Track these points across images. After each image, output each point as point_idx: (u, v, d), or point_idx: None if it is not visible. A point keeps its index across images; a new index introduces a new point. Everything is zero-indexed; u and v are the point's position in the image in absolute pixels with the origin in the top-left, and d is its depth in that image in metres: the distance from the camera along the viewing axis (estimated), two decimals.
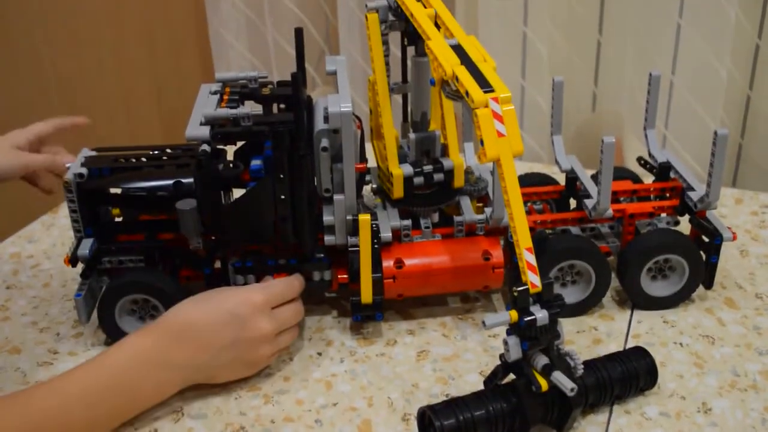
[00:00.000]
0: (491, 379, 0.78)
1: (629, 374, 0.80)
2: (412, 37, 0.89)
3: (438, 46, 0.79)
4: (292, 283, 0.88)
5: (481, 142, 0.72)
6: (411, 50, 0.92)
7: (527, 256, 0.74)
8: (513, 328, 0.74)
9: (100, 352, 0.89)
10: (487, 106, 0.72)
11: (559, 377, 0.73)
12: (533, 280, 0.74)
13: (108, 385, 0.78)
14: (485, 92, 0.73)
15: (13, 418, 0.73)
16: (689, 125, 1.42)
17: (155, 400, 0.81)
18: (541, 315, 0.73)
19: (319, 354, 0.90)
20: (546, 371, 0.73)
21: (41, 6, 1.52)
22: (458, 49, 0.79)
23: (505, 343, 0.74)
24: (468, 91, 0.73)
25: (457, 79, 0.75)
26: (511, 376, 0.77)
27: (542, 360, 0.74)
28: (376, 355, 0.89)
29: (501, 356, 0.76)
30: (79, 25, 1.59)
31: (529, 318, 0.73)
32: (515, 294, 0.73)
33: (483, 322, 0.73)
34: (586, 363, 0.78)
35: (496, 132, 0.72)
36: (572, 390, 0.72)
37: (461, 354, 0.89)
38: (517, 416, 0.75)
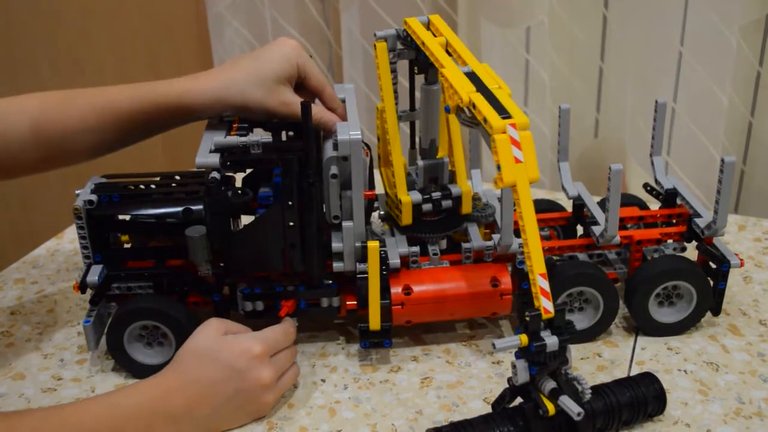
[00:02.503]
0: (499, 402, 0.78)
1: (637, 400, 0.80)
2: (422, 65, 0.90)
3: (453, 73, 0.79)
4: (288, 330, 0.87)
5: (498, 168, 0.72)
6: (419, 78, 0.93)
7: (541, 282, 0.74)
8: (522, 352, 0.74)
9: (103, 377, 0.91)
10: (505, 132, 0.72)
11: (566, 402, 0.72)
12: (546, 306, 0.73)
13: (116, 427, 0.77)
14: (503, 118, 0.73)
15: None
16: (691, 152, 1.42)
17: None
18: (551, 341, 0.73)
19: (323, 380, 0.89)
20: (553, 395, 0.73)
21: (47, 35, 1.53)
22: (472, 77, 0.79)
23: (514, 366, 0.74)
24: (486, 117, 0.73)
25: (474, 106, 0.75)
26: (519, 400, 0.77)
27: (550, 384, 0.74)
28: (380, 382, 0.89)
29: (509, 379, 0.76)
30: (82, 54, 1.60)
31: (539, 343, 0.73)
32: (527, 318, 0.73)
33: (493, 345, 0.73)
34: (594, 388, 0.78)
35: (514, 158, 0.72)
36: (579, 414, 0.72)
37: (465, 380, 0.89)
38: None
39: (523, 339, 0.73)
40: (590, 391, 0.75)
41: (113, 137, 0.92)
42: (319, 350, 0.94)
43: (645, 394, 0.80)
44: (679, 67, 1.39)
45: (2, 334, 0.99)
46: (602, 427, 0.79)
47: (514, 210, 0.89)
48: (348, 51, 1.63)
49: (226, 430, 0.83)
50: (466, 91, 0.76)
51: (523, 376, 0.74)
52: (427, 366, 0.91)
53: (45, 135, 0.91)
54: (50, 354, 0.95)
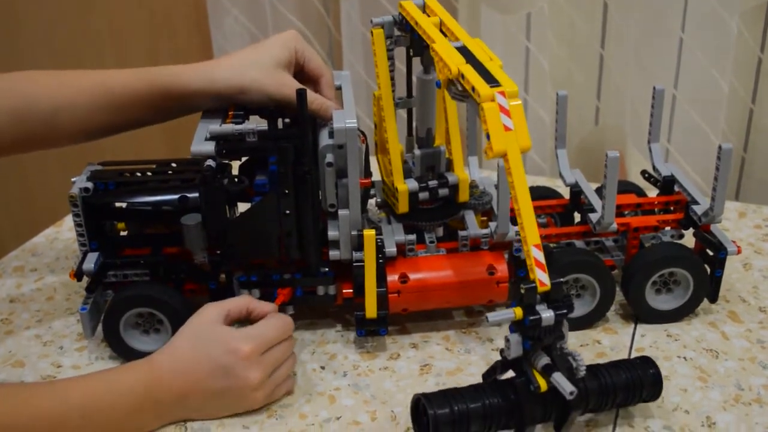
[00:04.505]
0: (489, 374, 0.76)
1: (633, 383, 0.78)
2: (417, 46, 0.89)
3: (443, 47, 0.78)
4: (283, 324, 0.85)
5: (487, 136, 0.71)
6: (416, 67, 0.93)
7: (535, 253, 0.72)
8: (516, 326, 0.72)
9: (103, 364, 0.91)
10: (493, 100, 0.71)
11: (559, 379, 0.70)
12: (541, 278, 0.71)
13: (108, 403, 0.78)
14: (491, 87, 0.72)
15: (7, 409, 0.74)
16: (691, 139, 1.42)
17: (149, 428, 0.81)
18: (547, 315, 0.71)
19: (323, 368, 0.90)
20: (546, 371, 0.71)
21: (47, 25, 1.53)
22: (463, 50, 0.78)
23: (507, 339, 0.72)
24: (474, 86, 0.72)
25: (462, 76, 0.74)
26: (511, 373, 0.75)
27: (543, 359, 0.72)
28: (380, 369, 0.89)
29: (501, 351, 0.74)
30: (82, 45, 1.60)
31: (534, 317, 0.70)
32: (522, 291, 0.71)
33: (486, 317, 0.71)
34: (590, 367, 0.76)
35: (503, 126, 0.71)
36: (571, 394, 0.70)
37: (464, 368, 0.89)
38: (514, 415, 0.74)
39: (518, 312, 0.71)
40: (585, 367, 0.73)
41: (105, 118, 0.92)
42: (319, 338, 0.94)
43: (641, 378, 0.78)
44: (680, 53, 1.38)
45: (2, 322, 0.99)
46: (595, 407, 0.78)
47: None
48: (348, 38, 1.63)
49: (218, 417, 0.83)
50: (456, 63, 0.75)
51: (516, 351, 0.72)
52: (427, 353, 0.91)
53: (30, 108, 0.90)
54: (50, 341, 0.95)
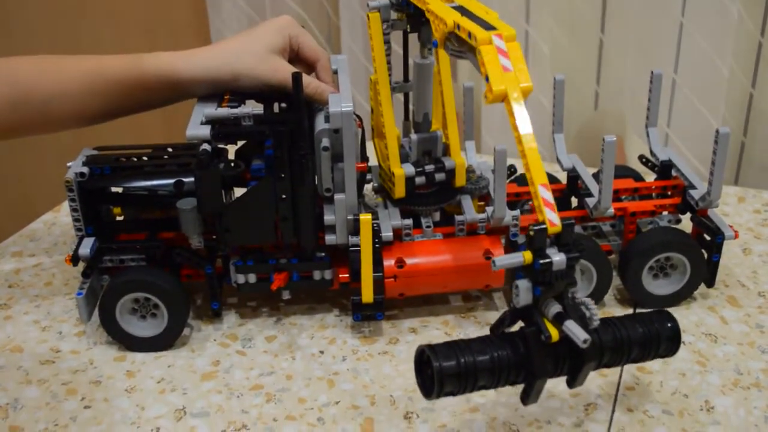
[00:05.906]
0: (497, 326, 0.71)
1: (650, 337, 0.73)
2: (415, 21, 0.88)
3: (438, 6, 0.78)
4: None
5: (486, 79, 0.69)
6: (413, 51, 0.92)
7: (543, 193, 0.67)
8: (526, 271, 0.67)
9: (102, 349, 0.91)
10: (490, 42, 0.70)
11: (572, 327, 0.65)
12: (551, 218, 0.66)
13: None
14: (488, 31, 0.70)
15: None
16: (691, 123, 1.42)
17: None
18: (558, 258, 0.66)
19: (321, 352, 0.90)
20: (558, 320, 0.66)
21: (44, 9, 1.53)
22: (459, 8, 0.77)
23: (516, 287, 0.67)
24: (470, 32, 0.71)
25: (458, 27, 0.73)
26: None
27: (555, 307, 0.67)
28: (378, 353, 0.89)
29: (510, 302, 0.71)
30: (80, 30, 1.59)
31: (544, 261, 0.66)
32: (531, 233, 0.66)
33: (493, 262, 0.67)
34: (604, 320, 0.71)
35: (501, 67, 0.69)
36: (585, 342, 0.64)
37: None
38: (523, 367, 0.69)
39: (527, 256, 0.66)
40: (599, 317, 0.68)
41: (99, 105, 0.91)
42: (317, 322, 0.94)
43: (659, 332, 0.73)
44: (680, 38, 1.38)
45: (0, 307, 0.99)
46: (609, 362, 0.72)
47: (508, 181, 0.89)
48: (347, 23, 1.62)
49: None
50: (451, 16, 0.74)
51: (525, 298, 0.67)
52: (426, 338, 0.91)
53: (26, 96, 0.89)
54: (48, 326, 0.95)
